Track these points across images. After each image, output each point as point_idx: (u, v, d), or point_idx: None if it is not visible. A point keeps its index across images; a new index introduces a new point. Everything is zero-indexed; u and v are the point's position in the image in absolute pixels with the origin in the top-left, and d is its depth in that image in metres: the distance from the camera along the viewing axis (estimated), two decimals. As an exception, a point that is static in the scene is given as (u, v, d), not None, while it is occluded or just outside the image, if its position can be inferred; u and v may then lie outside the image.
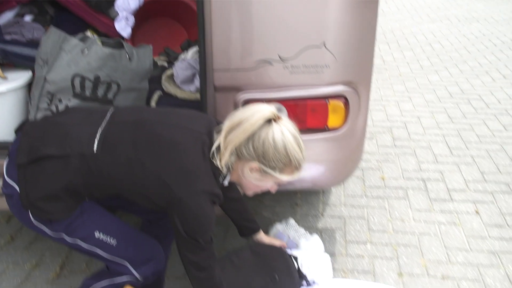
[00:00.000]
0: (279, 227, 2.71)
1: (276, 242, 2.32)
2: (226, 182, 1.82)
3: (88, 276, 2.02)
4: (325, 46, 2.02)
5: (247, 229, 2.26)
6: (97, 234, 1.79)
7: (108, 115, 1.78)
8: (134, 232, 1.92)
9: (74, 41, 2.15)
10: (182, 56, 2.79)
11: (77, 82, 2.12)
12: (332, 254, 2.67)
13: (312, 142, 2.20)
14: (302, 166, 1.77)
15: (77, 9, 2.73)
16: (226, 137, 1.69)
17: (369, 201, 3.19)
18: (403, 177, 3.45)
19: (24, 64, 2.44)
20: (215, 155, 1.70)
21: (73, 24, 2.74)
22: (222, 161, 1.70)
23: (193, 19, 3.10)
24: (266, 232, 2.71)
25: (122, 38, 2.80)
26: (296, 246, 2.53)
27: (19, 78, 2.36)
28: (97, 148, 1.67)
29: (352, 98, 2.15)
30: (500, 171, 3.49)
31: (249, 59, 2.03)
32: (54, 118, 1.85)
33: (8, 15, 2.68)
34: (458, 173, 3.48)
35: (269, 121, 1.68)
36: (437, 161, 3.64)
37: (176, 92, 2.47)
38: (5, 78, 2.34)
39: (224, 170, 1.73)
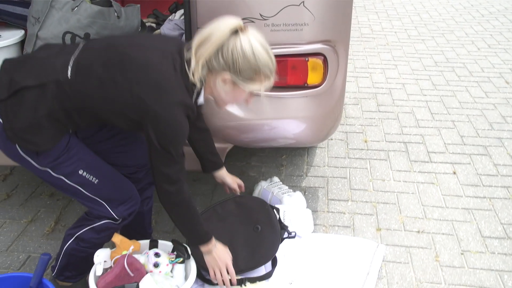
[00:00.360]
0: (263, 184, 2.83)
1: (238, 180, 2.42)
2: (201, 98, 1.89)
3: (70, 227, 2.12)
4: (303, 5, 2.09)
5: (211, 163, 2.33)
6: (81, 172, 1.89)
7: (81, 45, 1.85)
8: (113, 172, 2.02)
9: (64, -1, 2.21)
10: (170, 18, 2.87)
11: (67, 39, 2.20)
12: (314, 211, 2.79)
13: (292, 99, 2.29)
14: (273, 75, 1.84)
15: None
16: (196, 52, 1.76)
17: (352, 162, 3.30)
18: (385, 140, 3.56)
19: (17, 23, 2.50)
20: (187, 71, 1.77)
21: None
22: (195, 76, 1.76)
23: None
24: (251, 192, 2.84)
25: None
26: (279, 202, 2.65)
27: (12, 36, 2.43)
28: (71, 73, 1.74)
29: (330, 56, 2.24)
30: (478, 135, 3.61)
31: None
32: (31, 53, 1.94)
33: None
34: (438, 137, 3.59)
35: (235, 31, 1.73)
36: (419, 126, 3.75)
37: (163, 52, 2.54)
38: (-2, 36, 2.42)
39: (198, 84, 1.79)
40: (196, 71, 1.76)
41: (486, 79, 4.58)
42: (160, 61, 1.75)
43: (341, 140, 3.55)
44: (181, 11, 2.87)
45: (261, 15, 2.10)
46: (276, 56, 2.16)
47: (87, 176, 1.92)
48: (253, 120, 2.30)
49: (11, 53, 2.43)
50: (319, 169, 3.22)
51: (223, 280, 2.05)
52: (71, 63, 1.76)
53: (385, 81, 4.56)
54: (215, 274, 2.04)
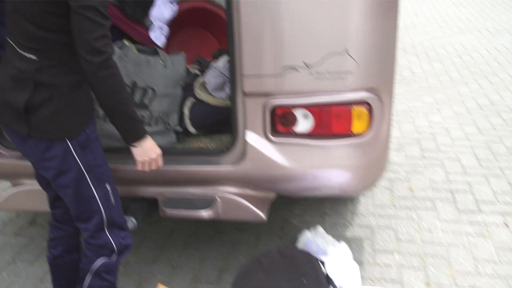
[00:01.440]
0: (308, 234, 2.74)
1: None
2: None
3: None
4: (347, 53, 2.06)
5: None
6: (107, 186, 1.95)
7: None
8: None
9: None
10: (213, 64, 2.87)
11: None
12: (360, 263, 2.68)
13: (337, 148, 2.23)
14: None
15: (114, 19, 2.83)
16: None
17: (397, 211, 3.19)
18: (431, 188, 3.44)
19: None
20: None
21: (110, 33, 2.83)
22: None
23: (224, 29, 3.17)
24: (295, 241, 2.76)
25: (157, 47, 2.89)
26: (324, 253, 2.56)
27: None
28: None
29: (375, 104, 2.18)
30: (530, 184, 3.46)
31: (276, 66, 2.08)
32: None
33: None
34: (486, 185, 3.45)
35: None
36: (465, 173, 3.62)
37: (208, 99, 2.53)
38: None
39: None
40: None
41: (535, 124, 4.43)
42: None
43: (385, 187, 3.44)
44: (224, 57, 2.88)
45: (304, 63, 2.07)
46: (321, 104, 2.16)
47: (110, 191, 1.97)
48: (296, 169, 2.24)
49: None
50: (363, 218, 3.12)
51: None
52: None
53: (428, 126, 4.45)
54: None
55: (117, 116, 1.83)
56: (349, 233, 2.98)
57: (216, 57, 2.98)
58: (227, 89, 2.54)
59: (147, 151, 1.93)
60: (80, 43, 1.68)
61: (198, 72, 2.78)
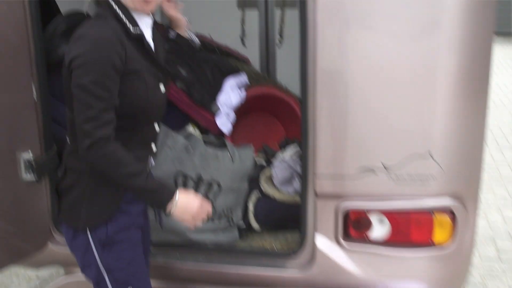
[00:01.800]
0: None
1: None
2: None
3: None
4: (431, 156, 1.91)
5: None
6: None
7: None
8: None
9: (179, 138, 2.19)
10: (280, 155, 2.77)
11: (179, 180, 2.14)
12: None
13: (415, 259, 2.05)
14: None
15: (181, 104, 2.80)
16: None
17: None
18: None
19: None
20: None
21: (176, 118, 2.80)
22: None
23: (292, 117, 3.11)
24: None
25: (222, 133, 2.83)
26: None
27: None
28: None
29: (459, 212, 2.01)
30: None
31: (352, 166, 1.96)
32: None
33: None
34: None
35: None
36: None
37: (274, 194, 2.42)
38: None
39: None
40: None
41: None
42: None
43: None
44: (292, 148, 2.78)
45: (383, 164, 1.93)
46: (399, 210, 2.00)
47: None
48: (369, 280, 2.06)
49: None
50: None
51: None
52: None
53: (503, 222, 4.15)
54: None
55: (132, 191, 1.72)
56: None
57: (283, 146, 2.89)
58: (295, 184, 2.42)
59: (186, 209, 1.72)
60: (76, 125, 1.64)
61: (264, 163, 2.69)
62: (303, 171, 2.03)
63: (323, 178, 1.99)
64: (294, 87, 3.11)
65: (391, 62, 1.85)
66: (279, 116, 3.21)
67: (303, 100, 1.95)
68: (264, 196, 2.45)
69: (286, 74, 3.57)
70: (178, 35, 2.13)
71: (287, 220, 2.43)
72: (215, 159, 2.14)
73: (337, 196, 2.01)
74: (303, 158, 2.03)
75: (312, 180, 2.01)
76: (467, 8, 1.82)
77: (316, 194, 2.02)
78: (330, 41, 1.86)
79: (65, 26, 2.48)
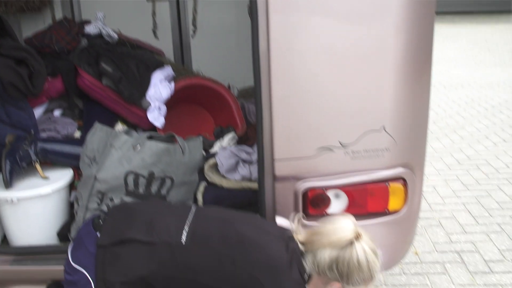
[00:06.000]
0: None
1: None
2: None
3: None
4: (385, 131, 2.00)
5: None
6: None
7: (193, 209, 1.79)
8: None
9: (123, 137, 2.08)
10: (218, 143, 2.74)
11: (130, 179, 2.05)
12: None
13: (372, 227, 2.13)
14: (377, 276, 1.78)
15: (108, 101, 2.68)
16: (308, 251, 1.73)
17: (409, 279, 3.09)
18: (436, 250, 3.38)
19: (64, 162, 2.34)
20: (303, 262, 1.72)
21: (103, 116, 2.67)
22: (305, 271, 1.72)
23: (221, 105, 3.08)
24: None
25: (155, 128, 2.74)
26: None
27: (61, 178, 2.26)
28: (186, 239, 1.65)
29: (410, 179, 2.12)
30: (531, 238, 3.46)
31: (310, 147, 1.99)
32: (136, 205, 1.87)
33: (38, 111, 2.61)
34: (490, 243, 3.42)
35: (351, 241, 1.69)
36: (465, 231, 3.59)
37: (221, 182, 2.39)
38: (46, 178, 2.24)
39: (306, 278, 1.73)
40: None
41: (514, 175, 4.52)
42: (277, 247, 1.71)
43: (391, 254, 3.35)
44: (230, 136, 2.77)
45: (340, 142, 1.98)
46: (356, 183, 2.06)
47: None
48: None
49: (61, 196, 2.25)
50: (377, 290, 3.00)
51: None
52: (186, 228, 1.67)
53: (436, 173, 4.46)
54: None
55: None
56: (368, 308, 2.83)
57: (218, 135, 2.86)
58: (241, 170, 2.42)
59: None
60: None
61: (203, 153, 2.64)
62: (260, 156, 2.03)
63: (281, 162, 2.00)
64: (212, 76, 3.11)
65: (343, 43, 1.89)
66: (207, 105, 3.17)
67: (256, 86, 1.94)
68: (211, 185, 2.41)
69: (202, 64, 3.54)
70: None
71: (236, 207, 2.41)
72: (166, 153, 2.06)
73: (296, 178, 2.03)
74: (259, 144, 2.02)
75: (270, 165, 2.01)
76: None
77: (275, 178, 2.03)
78: (282, 25, 1.86)
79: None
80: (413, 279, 3.07)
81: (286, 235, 1.79)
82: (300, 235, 1.79)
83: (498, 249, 3.34)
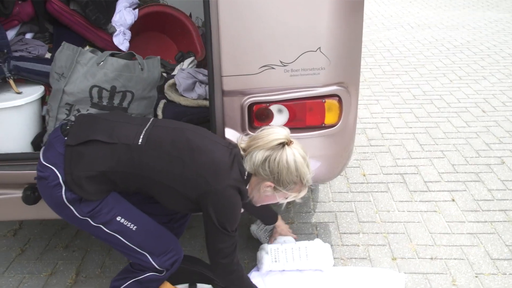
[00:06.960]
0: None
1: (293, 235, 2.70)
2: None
3: (115, 277, 2.16)
4: (320, 50, 2.24)
5: (270, 218, 2.69)
6: (118, 218, 1.98)
7: (151, 121, 2.04)
8: (153, 223, 2.09)
9: (89, 54, 2.29)
10: (178, 66, 2.97)
11: (94, 92, 2.27)
12: (329, 245, 2.87)
13: (311, 139, 2.41)
14: (309, 184, 2.07)
15: (77, 26, 2.86)
16: (246, 154, 2.03)
17: (355, 196, 3.42)
18: (382, 172, 3.71)
19: (36, 79, 2.56)
20: (243, 166, 2.01)
21: (72, 40, 2.83)
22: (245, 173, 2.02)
23: (182, 32, 3.29)
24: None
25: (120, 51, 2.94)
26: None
27: (33, 93, 2.48)
28: (141, 141, 1.92)
29: (344, 97, 2.38)
30: (468, 163, 3.80)
31: (254, 65, 2.24)
32: (100, 114, 2.12)
33: (10, 34, 2.79)
34: (431, 167, 3.76)
35: (282, 144, 1.96)
36: (411, 157, 3.92)
37: (179, 100, 2.63)
38: (20, 93, 2.46)
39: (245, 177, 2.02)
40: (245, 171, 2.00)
41: (464, 109, 4.83)
42: (221, 152, 1.98)
43: (341, 175, 3.67)
44: (189, 60, 2.99)
45: (281, 61, 2.23)
46: (296, 99, 2.33)
47: (125, 223, 1.99)
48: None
49: (34, 109, 2.47)
50: (325, 204, 3.33)
51: None
52: (143, 134, 1.94)
53: (371, 116, 4.75)
54: None
55: None
56: (315, 219, 3.17)
57: (179, 59, 3.08)
58: (197, 90, 2.65)
59: None
60: (212, 248, 2.03)
61: (164, 75, 2.87)
62: (210, 73, 2.26)
63: (229, 78, 2.25)
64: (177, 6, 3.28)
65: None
66: (170, 33, 3.37)
67: (206, 12, 2.15)
68: (170, 102, 2.65)
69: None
70: None
71: (193, 122, 2.66)
72: (126, 69, 2.28)
73: (242, 93, 2.28)
74: (209, 63, 2.25)
75: (219, 80, 2.25)
76: None
77: (223, 93, 2.28)
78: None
79: None
80: (358, 197, 3.41)
81: (231, 145, 2.08)
82: (242, 143, 2.07)
83: (438, 172, 3.68)
